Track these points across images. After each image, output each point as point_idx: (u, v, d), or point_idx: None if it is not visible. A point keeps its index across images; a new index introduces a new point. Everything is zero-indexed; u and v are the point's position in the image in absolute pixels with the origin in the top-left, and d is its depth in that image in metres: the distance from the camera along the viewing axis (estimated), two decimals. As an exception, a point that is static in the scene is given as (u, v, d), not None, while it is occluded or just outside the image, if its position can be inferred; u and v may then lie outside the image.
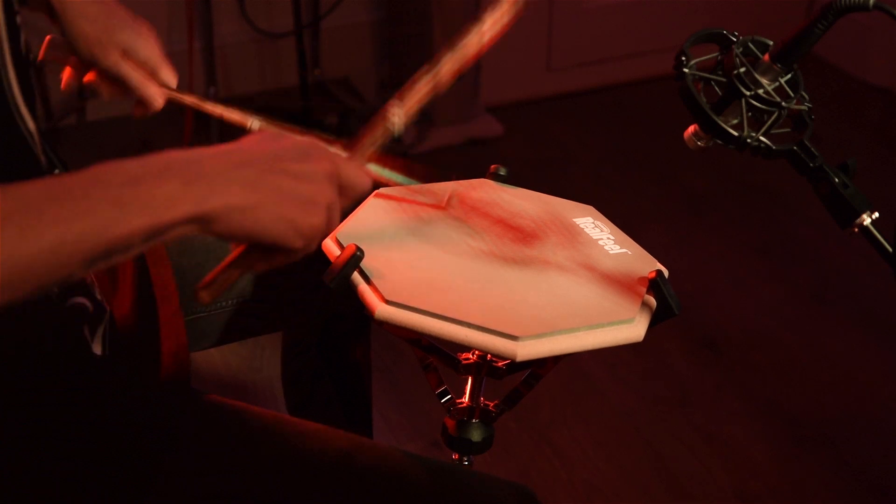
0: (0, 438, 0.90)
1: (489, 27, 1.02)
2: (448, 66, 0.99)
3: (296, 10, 2.79)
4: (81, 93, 1.25)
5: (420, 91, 0.98)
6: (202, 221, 0.74)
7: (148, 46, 1.19)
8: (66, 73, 1.21)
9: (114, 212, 0.70)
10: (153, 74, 1.20)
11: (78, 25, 1.16)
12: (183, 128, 2.79)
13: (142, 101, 1.20)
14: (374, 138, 0.95)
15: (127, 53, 1.17)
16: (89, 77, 1.20)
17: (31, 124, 0.88)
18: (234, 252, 0.83)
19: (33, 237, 0.67)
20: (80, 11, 1.15)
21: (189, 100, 1.24)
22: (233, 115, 1.22)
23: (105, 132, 2.86)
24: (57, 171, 0.95)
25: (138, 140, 2.91)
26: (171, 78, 1.21)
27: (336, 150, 0.86)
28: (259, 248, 0.81)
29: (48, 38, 1.20)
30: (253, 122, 1.21)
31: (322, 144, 0.83)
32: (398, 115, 0.96)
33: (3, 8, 0.85)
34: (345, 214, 0.91)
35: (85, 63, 1.18)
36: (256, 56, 3.06)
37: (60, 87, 1.22)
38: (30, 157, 0.89)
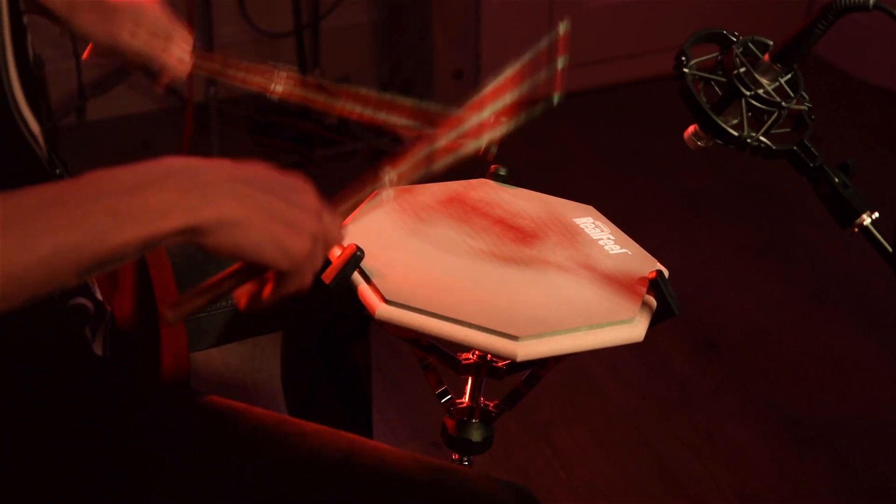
0: (0, 438, 0.90)
1: (489, 115, 1.03)
2: (444, 140, 1.01)
3: (296, 10, 2.79)
4: (81, 93, 1.25)
5: (413, 160, 0.98)
6: (194, 233, 0.74)
7: (152, 15, 1.20)
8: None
9: (108, 221, 0.70)
10: (167, 40, 1.21)
11: (84, 28, 1.18)
12: (183, 128, 2.79)
13: (166, 68, 1.22)
14: (359, 198, 0.96)
15: (135, 29, 1.18)
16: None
17: (34, 126, 0.88)
18: (213, 278, 0.84)
19: (29, 247, 0.68)
20: (80, 22, 1.18)
21: (212, 65, 1.24)
22: (257, 77, 1.21)
23: (105, 132, 2.86)
24: (58, 171, 0.95)
25: (138, 140, 2.91)
26: (186, 38, 1.22)
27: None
28: (244, 268, 0.81)
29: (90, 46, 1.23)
30: (277, 84, 1.20)
31: (311, 184, 0.84)
32: (390, 177, 0.97)
33: (8, 8, 0.85)
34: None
35: (104, 54, 1.21)
36: (256, 56, 3.06)
37: (62, 91, 1.23)
38: (32, 159, 0.89)
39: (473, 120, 1.04)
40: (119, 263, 0.73)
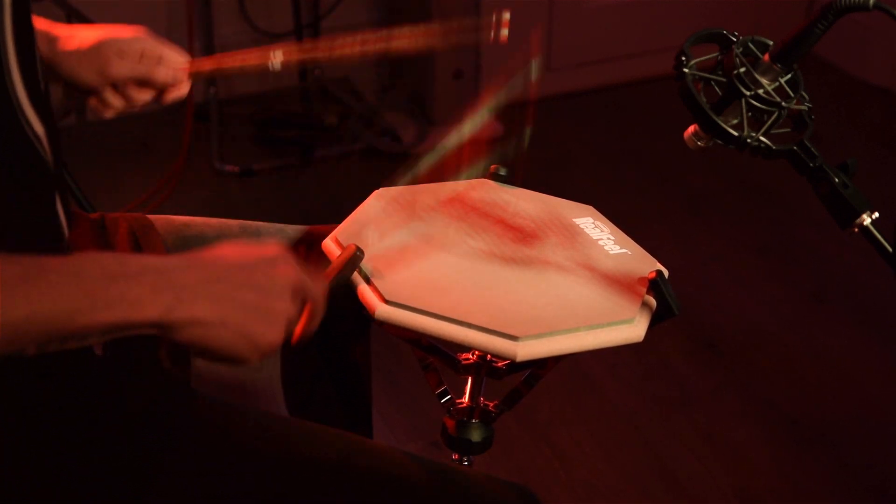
0: (0, 438, 0.90)
1: (468, 131, 1.07)
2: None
3: (296, 10, 2.79)
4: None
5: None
6: (164, 328, 0.77)
7: (137, 44, 1.19)
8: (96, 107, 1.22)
9: (84, 302, 0.73)
10: (160, 61, 1.20)
11: (73, 74, 1.18)
12: (183, 128, 2.79)
13: (161, 92, 1.23)
14: (338, 268, 1.00)
15: (120, 60, 1.18)
16: (115, 101, 1.21)
17: (38, 128, 0.88)
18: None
19: (4, 313, 0.71)
20: (68, 66, 1.17)
21: (208, 65, 1.24)
22: (254, 57, 1.21)
23: (105, 132, 2.86)
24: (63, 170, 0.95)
25: (138, 140, 2.91)
26: (176, 55, 1.22)
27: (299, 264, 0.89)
28: (212, 357, 0.83)
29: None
30: (275, 57, 1.20)
31: (289, 255, 0.86)
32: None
33: (11, 10, 0.85)
34: (349, 205, 0.94)
35: (100, 88, 1.20)
36: (256, 56, 3.06)
37: (61, 91, 1.23)
38: (36, 160, 0.89)
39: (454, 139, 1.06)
40: (82, 342, 0.76)
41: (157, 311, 0.76)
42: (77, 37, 1.17)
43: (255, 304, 0.80)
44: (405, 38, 1.13)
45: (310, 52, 1.23)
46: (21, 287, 0.71)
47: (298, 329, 0.87)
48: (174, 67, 1.21)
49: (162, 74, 1.20)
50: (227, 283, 0.80)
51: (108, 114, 1.22)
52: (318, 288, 0.88)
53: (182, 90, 1.24)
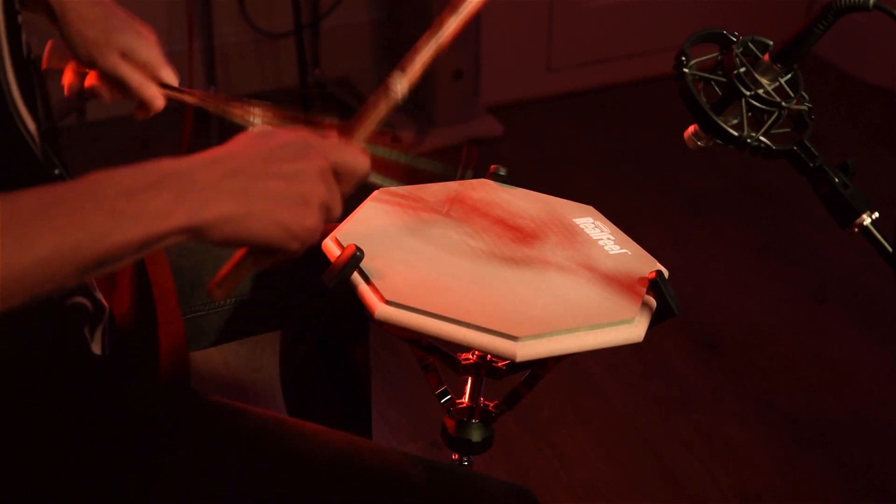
0: (0, 438, 0.90)
1: None
2: (450, 27, 0.99)
3: (296, 10, 2.79)
4: (81, 94, 1.24)
5: (423, 56, 0.97)
6: (195, 232, 0.75)
7: (147, 47, 1.18)
8: (68, 78, 1.20)
9: (108, 222, 0.71)
10: (153, 75, 1.19)
11: (77, 28, 1.15)
12: (183, 128, 2.79)
13: (143, 103, 1.20)
14: (375, 115, 0.95)
15: (126, 55, 1.17)
16: (90, 81, 1.19)
17: (30, 124, 0.88)
18: (237, 254, 0.84)
19: (29, 247, 0.68)
20: (79, 14, 1.14)
21: (190, 99, 1.23)
22: (234, 111, 1.21)
23: (105, 132, 2.86)
24: (57, 171, 0.95)
25: (138, 140, 2.91)
26: (171, 78, 1.20)
27: (330, 139, 0.86)
28: (256, 251, 0.81)
29: (49, 43, 1.20)
30: (255, 120, 1.20)
31: (314, 138, 0.83)
32: (401, 84, 0.95)
33: (3, 8, 0.85)
34: (348, 204, 0.92)
35: (85, 66, 1.18)
36: (256, 56, 3.06)
37: (62, 91, 1.21)
38: (29, 158, 0.89)
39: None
40: (119, 263, 0.73)
41: (184, 217, 0.73)
42: (92, 11, 1.15)
43: (280, 192, 0.78)
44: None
45: (289, 118, 1.23)
46: (40, 219, 0.69)
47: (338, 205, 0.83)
48: (160, 89, 1.19)
49: (147, 91, 1.18)
50: (249, 174, 0.77)
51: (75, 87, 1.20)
52: (355, 156, 0.84)
53: (152, 109, 1.21)
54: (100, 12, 1.16)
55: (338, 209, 0.83)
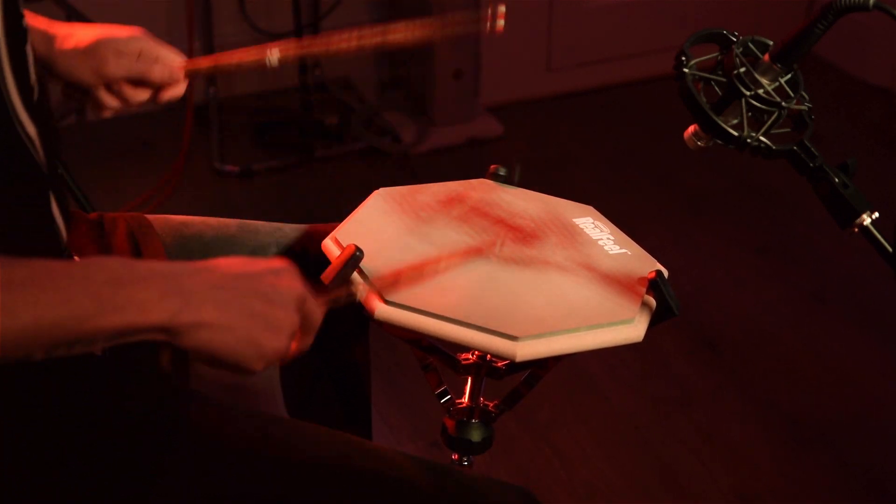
0: (0, 438, 0.90)
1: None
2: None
3: (296, 10, 2.79)
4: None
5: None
6: (171, 332, 0.77)
7: (135, 44, 1.19)
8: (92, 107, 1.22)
9: (92, 306, 0.73)
10: (156, 61, 1.20)
11: (69, 73, 1.17)
12: (183, 128, 2.79)
13: (158, 90, 1.22)
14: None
15: (118, 59, 1.18)
16: (110, 101, 1.20)
17: (30, 129, 0.88)
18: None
19: (12, 317, 0.70)
20: (65, 66, 1.17)
21: (205, 64, 1.24)
22: (251, 55, 1.21)
23: (105, 132, 2.86)
24: (59, 171, 0.95)
25: (138, 140, 2.91)
26: (173, 56, 1.22)
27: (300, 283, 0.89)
28: (216, 363, 0.83)
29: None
30: (271, 54, 1.21)
31: (294, 269, 0.86)
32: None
33: (2, 14, 0.85)
34: (348, 205, 0.94)
35: (98, 88, 1.20)
36: (256, 56, 3.06)
37: (61, 91, 1.23)
38: (28, 162, 0.89)
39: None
40: (89, 347, 0.76)
41: (165, 315, 0.76)
42: (74, 36, 1.17)
43: (260, 312, 0.81)
44: (402, 31, 1.14)
45: (307, 47, 1.24)
46: (29, 291, 0.71)
47: (294, 344, 0.87)
48: (171, 67, 1.21)
49: (158, 73, 1.20)
50: (233, 289, 0.80)
51: (106, 113, 1.22)
52: (318, 305, 0.89)
53: (178, 90, 1.23)
54: (80, 48, 1.17)
55: (305, 341, 0.87)
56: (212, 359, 0.81)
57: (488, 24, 1.13)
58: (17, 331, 0.71)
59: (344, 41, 1.18)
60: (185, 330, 0.77)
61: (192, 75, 1.23)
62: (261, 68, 1.20)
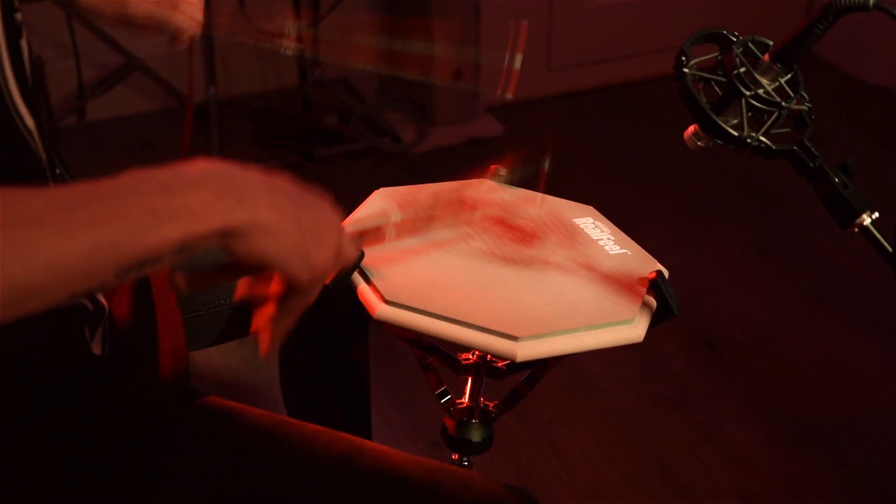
0: (0, 438, 0.90)
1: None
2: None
3: (296, 10, 2.79)
4: (81, 93, 1.26)
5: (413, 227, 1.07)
6: (228, 235, 0.74)
7: None
8: None
9: (147, 218, 0.70)
10: (175, 4, 1.23)
11: (92, 6, 1.21)
12: (183, 128, 2.79)
13: (175, 34, 1.26)
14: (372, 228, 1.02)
15: None
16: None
17: (29, 122, 0.88)
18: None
19: (70, 240, 0.67)
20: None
21: (219, 30, 1.29)
22: (265, 32, 1.27)
23: (105, 132, 2.86)
24: (58, 170, 0.95)
25: (138, 140, 2.91)
26: (194, 4, 1.24)
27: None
28: (265, 273, 0.82)
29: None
30: (287, 50, 1.26)
31: (334, 205, 0.85)
32: (392, 233, 1.03)
33: (0, 6, 0.85)
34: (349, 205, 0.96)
35: (121, 25, 1.24)
36: (256, 56, 3.06)
37: (62, 90, 1.25)
38: (28, 155, 0.89)
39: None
40: (157, 264, 0.72)
41: (222, 216, 0.73)
42: None
43: (310, 226, 0.79)
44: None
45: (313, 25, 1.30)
46: (80, 212, 0.68)
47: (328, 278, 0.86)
48: (190, 12, 1.24)
49: (177, 18, 1.23)
50: (287, 197, 0.78)
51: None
52: (351, 244, 0.87)
53: (192, 35, 1.27)
54: None
55: (344, 261, 0.85)
56: (264, 263, 0.80)
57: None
58: (80, 257, 0.67)
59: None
60: (241, 232, 0.74)
61: (209, 25, 1.27)
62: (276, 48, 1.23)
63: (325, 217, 0.81)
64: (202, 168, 0.74)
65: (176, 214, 0.71)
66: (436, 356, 1.13)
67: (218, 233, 0.73)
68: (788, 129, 1.02)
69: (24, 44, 0.90)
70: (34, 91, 0.91)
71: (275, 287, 0.83)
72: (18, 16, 0.89)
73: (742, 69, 0.99)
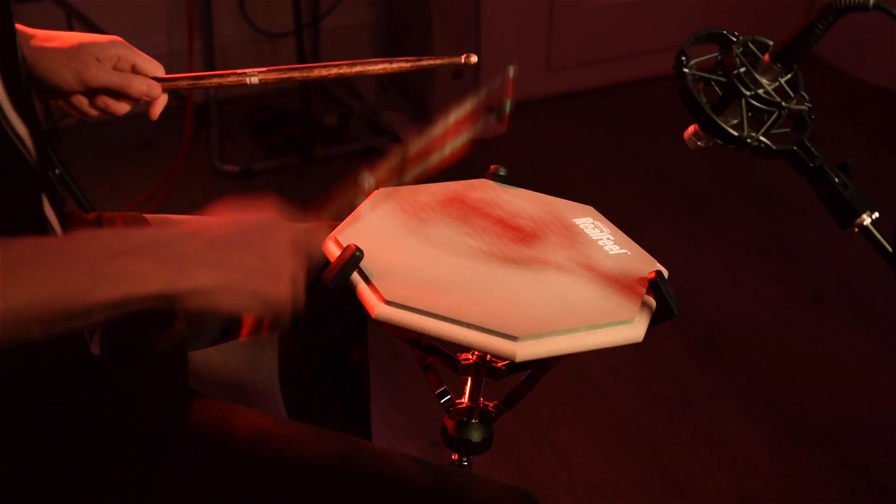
0: (0, 438, 0.90)
1: (454, 120, 1.11)
2: (417, 145, 1.10)
3: (296, 10, 2.79)
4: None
5: (390, 163, 1.07)
6: (170, 299, 0.77)
7: (113, 51, 1.19)
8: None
9: (87, 282, 0.73)
10: (135, 69, 1.19)
11: (50, 73, 1.16)
12: (183, 128, 2.79)
13: (141, 102, 1.21)
14: (340, 205, 1.03)
15: (98, 64, 1.17)
16: (87, 108, 1.20)
17: (20, 129, 0.88)
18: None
19: (5, 301, 0.70)
20: (47, 65, 1.15)
21: (183, 82, 1.24)
22: (230, 79, 1.23)
23: (105, 132, 2.86)
24: (58, 170, 0.95)
25: (139, 140, 2.91)
26: (151, 66, 1.21)
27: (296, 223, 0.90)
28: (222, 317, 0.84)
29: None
30: (251, 79, 1.23)
31: (283, 217, 0.87)
32: (368, 181, 1.06)
33: None
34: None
35: (79, 93, 1.19)
36: (256, 56, 3.06)
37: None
38: (19, 162, 0.89)
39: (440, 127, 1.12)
40: (87, 321, 0.76)
41: (160, 284, 0.76)
42: (56, 38, 1.17)
43: (255, 265, 0.81)
44: (381, 65, 1.23)
45: (287, 73, 1.27)
46: (21, 272, 0.71)
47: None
48: (149, 83, 1.20)
49: (136, 88, 1.18)
50: (226, 248, 0.80)
51: (77, 117, 1.22)
52: (317, 239, 0.90)
53: (157, 106, 1.22)
54: (59, 50, 1.16)
55: (302, 286, 0.87)
56: (221, 315, 0.83)
57: (462, 60, 1.25)
58: (13, 312, 0.71)
59: (324, 70, 1.22)
60: (183, 296, 0.78)
61: (170, 89, 1.23)
62: (241, 85, 1.22)
63: (273, 248, 0.83)
64: (144, 235, 0.79)
65: (114, 280, 0.74)
66: (436, 356, 1.13)
67: (157, 297, 0.76)
68: (788, 129, 1.02)
69: (17, 49, 0.91)
70: (29, 95, 0.91)
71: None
72: (14, 22, 0.89)
73: (742, 69, 0.99)
